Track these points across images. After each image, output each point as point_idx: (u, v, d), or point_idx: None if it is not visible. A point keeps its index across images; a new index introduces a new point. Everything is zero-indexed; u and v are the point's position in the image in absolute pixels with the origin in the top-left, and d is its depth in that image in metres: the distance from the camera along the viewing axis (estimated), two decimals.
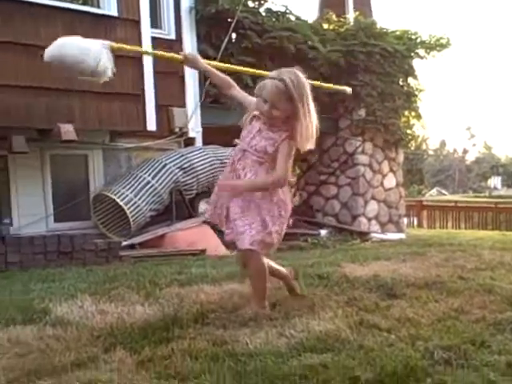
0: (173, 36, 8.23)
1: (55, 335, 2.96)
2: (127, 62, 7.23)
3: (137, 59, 7.34)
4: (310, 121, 3.12)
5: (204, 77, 8.52)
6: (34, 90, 6.48)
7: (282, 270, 3.66)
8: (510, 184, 61.43)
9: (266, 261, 3.40)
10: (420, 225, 17.97)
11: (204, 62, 3.60)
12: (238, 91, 3.51)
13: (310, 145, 3.18)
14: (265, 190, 3.21)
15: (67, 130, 6.53)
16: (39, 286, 4.49)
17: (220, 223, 3.40)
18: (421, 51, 11.39)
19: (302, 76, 3.14)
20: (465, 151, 66.82)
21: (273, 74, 3.17)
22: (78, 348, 2.75)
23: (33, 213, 7.00)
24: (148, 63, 7.48)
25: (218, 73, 3.56)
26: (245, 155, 3.28)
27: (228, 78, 3.55)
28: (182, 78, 8.31)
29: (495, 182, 61.00)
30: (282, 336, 2.90)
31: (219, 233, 7.81)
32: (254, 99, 3.28)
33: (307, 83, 3.16)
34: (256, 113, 3.27)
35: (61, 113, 6.67)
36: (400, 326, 3.05)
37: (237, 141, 3.38)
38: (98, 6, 7.15)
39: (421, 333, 2.92)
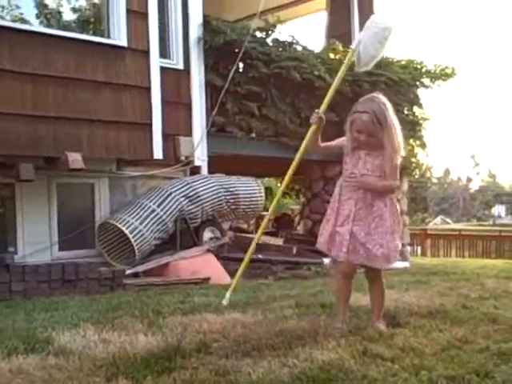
0: (181, 66, 8.31)
1: (57, 365, 2.96)
2: (135, 91, 7.34)
3: (144, 89, 7.43)
4: (396, 139, 3.58)
5: (211, 106, 8.64)
6: (41, 119, 6.54)
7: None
8: None
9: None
10: (424, 253, 17.93)
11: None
12: (327, 144, 3.90)
13: (400, 156, 3.63)
14: (382, 192, 3.64)
15: (75, 159, 6.57)
16: (42, 315, 4.48)
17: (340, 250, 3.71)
18: (426, 80, 11.44)
19: (382, 102, 3.61)
20: (469, 179, 66.78)
21: (359, 107, 3.64)
22: (80, 378, 2.75)
23: (38, 241, 6.99)
24: (156, 92, 7.55)
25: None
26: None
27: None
28: (189, 107, 8.38)
29: (499, 210, 60.89)
30: (284, 366, 2.90)
31: (224, 261, 7.84)
32: (341, 139, 3.76)
33: (388, 107, 3.61)
34: (355, 144, 3.66)
35: (68, 141, 6.71)
36: (404, 356, 3.04)
37: (350, 172, 3.74)
38: (109, 37, 7.25)
39: (424, 362, 2.92)
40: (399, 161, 3.64)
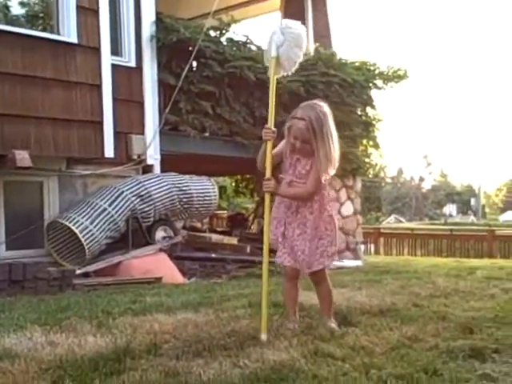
0: (133, 64, 8.20)
1: (1, 369, 2.87)
2: (86, 88, 7.21)
3: (95, 86, 7.30)
4: (330, 149, 3.52)
5: (164, 104, 8.55)
6: None
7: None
8: (464, 211, 62.85)
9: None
10: (377, 252, 18.18)
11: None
12: (274, 152, 3.70)
13: (332, 168, 3.58)
14: (294, 199, 3.65)
15: (22, 157, 6.41)
16: None
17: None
18: (379, 82, 11.59)
19: (322, 111, 3.55)
20: (421, 179, 68.01)
21: (298, 114, 3.57)
22: (25, 382, 2.68)
23: None
24: (107, 90, 7.43)
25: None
26: (292, 186, 3.66)
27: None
28: (142, 105, 8.28)
29: (450, 209, 62.36)
30: (236, 366, 2.88)
31: (177, 260, 7.78)
32: (282, 143, 3.69)
33: (327, 116, 3.55)
34: (291, 149, 3.62)
35: (16, 139, 6.55)
36: (354, 355, 3.06)
37: (281, 175, 3.73)
38: (58, 33, 7.10)
39: (375, 361, 2.94)
40: (331, 172, 3.60)
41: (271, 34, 3.78)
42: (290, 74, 3.98)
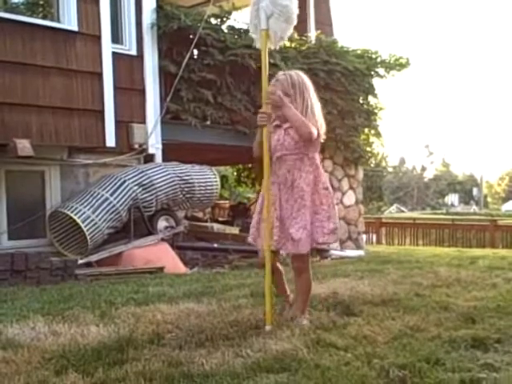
0: (134, 52, 8.16)
1: (5, 358, 2.89)
2: (86, 77, 7.18)
3: (96, 74, 7.28)
4: (308, 103, 3.51)
5: (165, 93, 8.52)
6: None
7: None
8: (466, 201, 62.83)
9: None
10: (379, 241, 18.16)
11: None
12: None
13: (318, 131, 3.50)
14: (298, 126, 3.45)
15: (24, 146, 6.39)
16: None
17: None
18: (381, 70, 11.54)
19: (305, 79, 3.60)
20: (423, 168, 67.92)
21: (281, 72, 3.65)
22: (28, 371, 2.69)
23: None
24: (108, 78, 7.40)
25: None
26: (283, 160, 3.55)
27: None
28: (143, 93, 8.24)
29: (452, 199, 62.34)
30: (238, 356, 2.88)
31: (179, 250, 7.78)
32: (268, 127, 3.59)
33: (310, 84, 3.59)
34: (276, 123, 3.59)
35: (17, 128, 6.54)
36: (356, 345, 3.06)
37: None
38: (58, 21, 7.06)
39: (377, 351, 2.94)
40: (319, 131, 3.51)
41: (258, 0, 3.62)
42: (277, 48, 3.88)
